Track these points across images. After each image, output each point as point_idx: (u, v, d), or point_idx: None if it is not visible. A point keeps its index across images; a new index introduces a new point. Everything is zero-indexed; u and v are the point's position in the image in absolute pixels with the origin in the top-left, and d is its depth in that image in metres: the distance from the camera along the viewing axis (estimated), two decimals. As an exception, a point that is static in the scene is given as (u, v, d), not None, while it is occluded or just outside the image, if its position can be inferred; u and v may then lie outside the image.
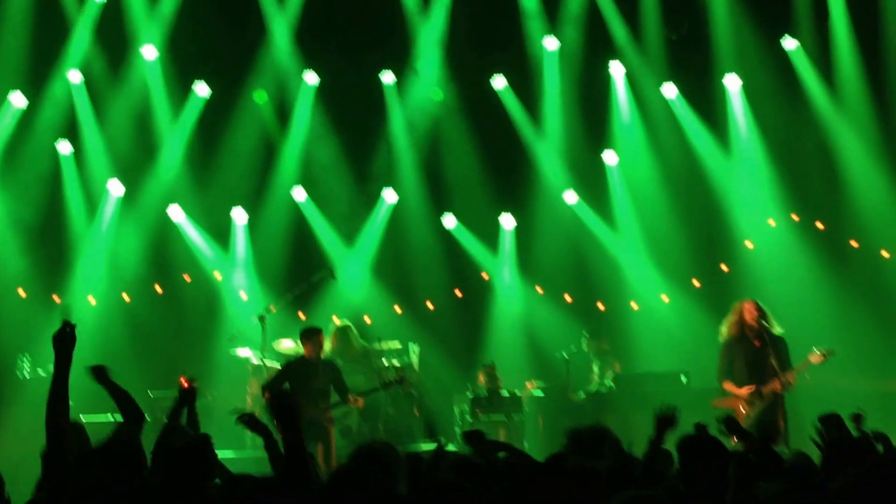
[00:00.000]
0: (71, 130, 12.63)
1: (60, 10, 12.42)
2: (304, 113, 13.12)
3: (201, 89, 12.85)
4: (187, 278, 12.94)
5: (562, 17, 12.93)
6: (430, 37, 12.94)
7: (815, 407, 9.69)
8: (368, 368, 10.86)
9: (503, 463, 4.77)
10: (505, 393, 10.62)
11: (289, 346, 11.27)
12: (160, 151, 12.87)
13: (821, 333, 9.76)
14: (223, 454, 6.85)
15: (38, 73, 12.41)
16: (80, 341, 4.29)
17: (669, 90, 12.83)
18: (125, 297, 12.64)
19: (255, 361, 10.93)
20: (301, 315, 12.26)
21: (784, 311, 9.43)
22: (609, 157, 13.06)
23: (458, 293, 13.23)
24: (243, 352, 11.34)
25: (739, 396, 8.62)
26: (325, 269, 11.80)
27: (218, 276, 12.95)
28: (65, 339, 4.21)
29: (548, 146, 13.19)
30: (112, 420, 9.66)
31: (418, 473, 4.66)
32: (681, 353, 11.70)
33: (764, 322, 8.69)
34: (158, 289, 12.87)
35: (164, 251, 12.87)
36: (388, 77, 13.10)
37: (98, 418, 9.76)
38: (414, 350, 11.67)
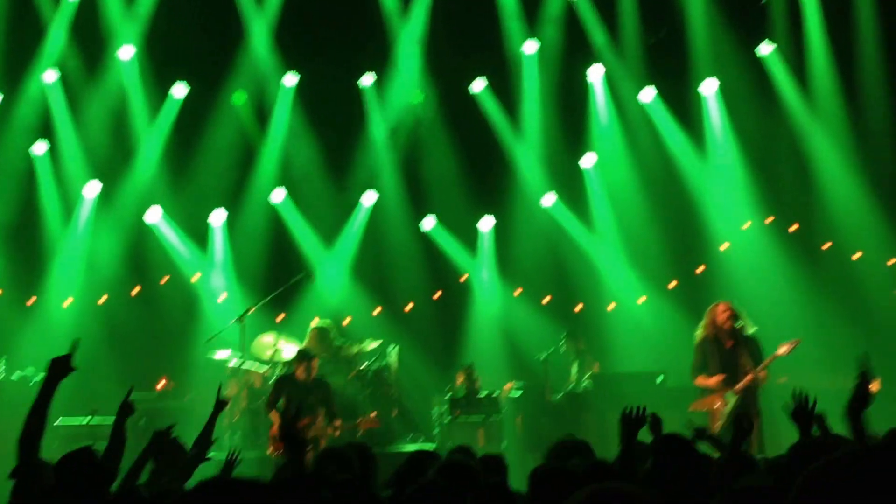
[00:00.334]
0: (47, 130, 12.56)
1: (35, 8, 12.35)
2: (283, 114, 13.12)
3: (179, 90, 12.82)
4: (165, 280, 12.89)
5: (541, 18, 13.00)
6: (409, 39, 12.97)
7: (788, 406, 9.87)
8: (348, 369, 10.87)
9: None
10: (483, 394, 10.66)
11: (269, 341, 11.25)
12: (137, 152, 12.82)
13: (793, 333, 9.84)
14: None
15: (13, 72, 12.33)
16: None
17: (647, 94, 12.94)
18: (103, 298, 12.58)
19: (234, 363, 10.91)
20: (280, 317, 12.25)
21: (758, 312, 9.54)
22: (587, 160, 13.15)
23: (436, 294, 13.27)
24: (221, 354, 11.31)
25: (711, 388, 8.74)
26: (304, 271, 11.79)
27: (196, 277, 12.92)
28: (62, 368, 4.38)
29: (527, 148, 13.26)
30: (87, 424, 9.65)
31: (399, 474, 4.68)
32: (657, 354, 11.81)
33: (737, 323, 8.82)
34: (136, 290, 12.81)
35: (141, 252, 12.82)
36: (367, 79, 13.13)
37: (75, 421, 9.73)
38: (393, 351, 11.69)
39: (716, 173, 12.99)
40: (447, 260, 13.28)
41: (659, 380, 10.73)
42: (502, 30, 13.04)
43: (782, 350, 8.73)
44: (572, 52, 12.96)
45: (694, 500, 4.02)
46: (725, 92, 12.87)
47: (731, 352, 8.77)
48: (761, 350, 8.81)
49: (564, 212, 13.18)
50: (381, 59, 13.04)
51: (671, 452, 4.26)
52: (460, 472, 4.23)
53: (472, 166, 13.16)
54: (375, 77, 13.14)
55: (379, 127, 13.25)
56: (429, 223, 13.23)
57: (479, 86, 13.20)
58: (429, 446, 10.14)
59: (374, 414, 9.62)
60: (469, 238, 13.24)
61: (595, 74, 13.05)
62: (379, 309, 12.96)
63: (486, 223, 13.17)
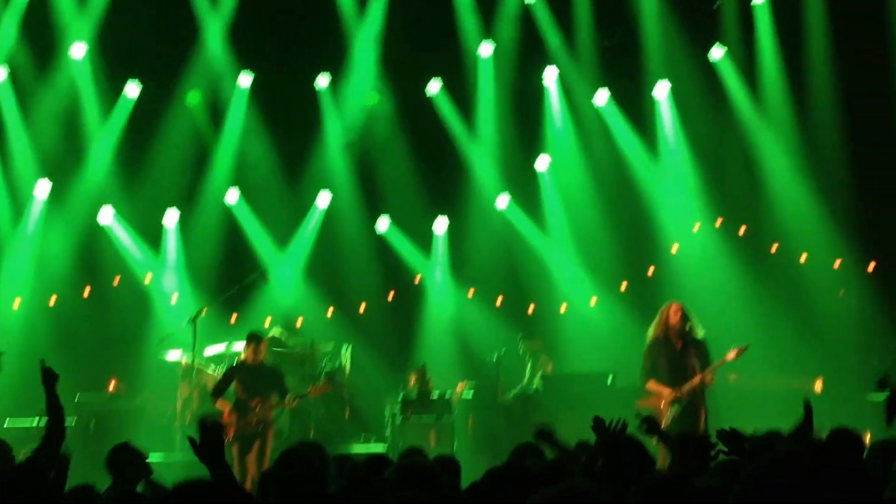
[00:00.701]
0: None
1: (-15, 4, 12.18)
2: (237, 114, 13.05)
3: (132, 89, 12.70)
4: (117, 280, 12.77)
5: (498, 18, 13.05)
6: (366, 39, 12.97)
7: (736, 405, 10.06)
8: (302, 370, 10.86)
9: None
10: (435, 395, 10.71)
11: (219, 349, 11.22)
12: (89, 152, 12.67)
13: (742, 334, 10.05)
14: (153, 458, 6.83)
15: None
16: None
17: (601, 96, 13.07)
18: (53, 298, 12.42)
19: (186, 364, 10.85)
20: (233, 317, 12.20)
21: (707, 312, 9.70)
22: (541, 162, 13.25)
23: (390, 295, 13.28)
24: (174, 355, 11.24)
25: (662, 396, 8.85)
26: (258, 272, 11.75)
27: (148, 278, 12.81)
28: (50, 373, 5.27)
29: (481, 150, 13.33)
30: (37, 426, 9.54)
31: (349, 474, 4.70)
32: (608, 354, 11.94)
33: (687, 325, 8.93)
34: (87, 291, 12.67)
35: (93, 253, 12.68)
36: (323, 80, 13.11)
37: (24, 422, 9.61)
38: (346, 351, 11.70)
39: (667, 176, 13.16)
40: (401, 261, 13.31)
41: (609, 380, 10.84)
42: (459, 30, 13.08)
43: (731, 355, 8.87)
44: (528, 55, 13.05)
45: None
46: (677, 95, 13.05)
47: (680, 353, 8.89)
48: (710, 354, 8.95)
49: (518, 214, 13.27)
50: (336, 60, 13.03)
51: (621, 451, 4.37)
52: (418, 473, 4.27)
53: (426, 168, 13.21)
54: (331, 78, 13.13)
55: (334, 128, 13.24)
56: (383, 224, 13.25)
57: (434, 87, 13.25)
58: (379, 447, 10.17)
59: (295, 401, 9.45)
60: (423, 239, 13.28)
61: (550, 77, 13.16)
62: (332, 309, 12.95)
63: (441, 224, 13.22)
